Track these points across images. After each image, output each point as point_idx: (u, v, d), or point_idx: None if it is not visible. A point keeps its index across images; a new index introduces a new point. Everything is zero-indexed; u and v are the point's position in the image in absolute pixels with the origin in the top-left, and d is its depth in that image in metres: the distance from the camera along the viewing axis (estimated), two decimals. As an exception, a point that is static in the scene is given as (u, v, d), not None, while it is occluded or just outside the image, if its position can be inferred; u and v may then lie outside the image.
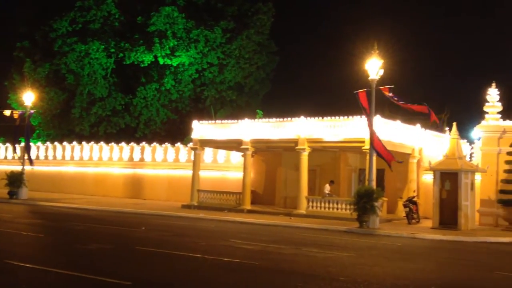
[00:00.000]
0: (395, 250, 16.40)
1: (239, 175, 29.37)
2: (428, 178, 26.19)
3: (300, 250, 15.20)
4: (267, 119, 28.55)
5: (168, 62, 42.15)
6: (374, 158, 22.33)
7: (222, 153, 33.58)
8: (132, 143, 38.01)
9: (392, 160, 22.09)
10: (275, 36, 45.26)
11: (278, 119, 27.49)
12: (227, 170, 33.00)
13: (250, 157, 28.84)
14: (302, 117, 26.31)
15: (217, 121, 30.92)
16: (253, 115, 39.12)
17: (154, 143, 37.16)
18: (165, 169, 35.60)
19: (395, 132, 25.65)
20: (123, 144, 38.05)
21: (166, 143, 36.75)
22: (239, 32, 42.07)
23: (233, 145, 29.14)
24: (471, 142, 27.91)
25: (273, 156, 31.15)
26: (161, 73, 43.05)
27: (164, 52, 41.57)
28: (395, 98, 22.35)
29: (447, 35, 59.04)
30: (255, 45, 42.87)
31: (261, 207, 28.79)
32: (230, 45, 42.09)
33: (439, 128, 31.87)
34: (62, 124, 45.14)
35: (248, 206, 27.83)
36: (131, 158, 37.19)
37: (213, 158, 33.84)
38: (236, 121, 29.23)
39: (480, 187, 24.44)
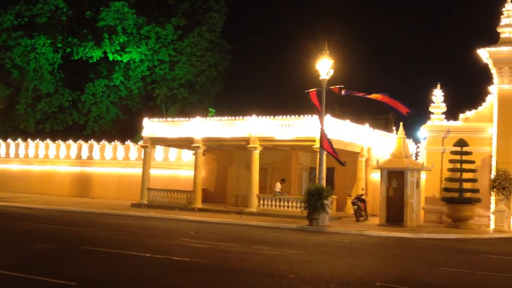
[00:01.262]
0: (344, 247, 16.70)
1: (191, 173, 29.18)
2: (376, 176, 26.81)
3: (251, 248, 15.24)
4: (219, 118, 28.50)
5: (118, 58, 41.37)
6: (324, 156, 22.66)
7: (173, 151, 33.26)
8: (80, 141, 37.11)
9: (337, 158, 22.38)
10: (228, 35, 45.25)
11: (230, 118, 27.48)
12: (179, 169, 32.73)
13: (202, 155, 28.70)
14: (254, 116, 26.40)
15: (168, 119, 30.61)
16: (205, 113, 38.92)
17: (103, 141, 36.41)
18: (114, 167, 34.94)
19: (345, 131, 26.13)
20: (70, 141, 37.11)
21: (116, 140, 36.08)
22: (191, 30, 41.77)
23: (185, 143, 28.94)
24: (417, 141, 28.78)
25: (224, 154, 31.12)
26: (111, 70, 42.23)
27: (113, 48, 40.78)
28: (354, 93, 22.61)
29: (396, 36, 60.59)
30: (207, 42, 42.67)
31: (212, 205, 28.72)
32: (181, 42, 41.73)
33: (388, 128, 32.68)
34: (6, 120, 43.55)
35: (199, 204, 27.70)
36: (79, 156, 36.32)
37: (164, 156, 33.48)
38: (187, 119, 29.03)
39: (425, 185, 25.20)
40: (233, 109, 33.45)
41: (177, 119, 30.16)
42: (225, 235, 18.36)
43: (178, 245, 15.47)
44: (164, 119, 30.66)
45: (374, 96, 22.49)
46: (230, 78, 47.31)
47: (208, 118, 29.42)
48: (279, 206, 25.62)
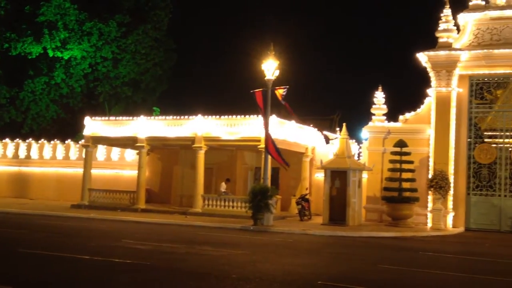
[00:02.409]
0: (287, 246, 16.84)
1: (134, 173, 28.70)
2: (320, 176, 27.22)
3: (194, 248, 15.12)
4: (163, 117, 28.14)
5: (59, 54, 40.07)
6: (269, 156, 22.79)
7: (116, 150, 32.60)
8: (17, 139, 35.74)
9: (280, 163, 22.60)
10: (173, 33, 44.74)
11: (175, 117, 27.20)
12: (121, 169, 32.11)
13: (146, 155, 28.27)
14: (199, 116, 26.24)
15: (111, 118, 29.95)
16: (149, 113, 38.36)
17: (42, 140, 35.21)
18: (54, 167, 33.88)
19: (290, 132, 26.39)
20: (7, 140, 35.68)
21: (56, 139, 34.96)
22: (136, 27, 40.99)
23: (128, 142, 28.41)
24: (359, 142, 29.39)
25: (169, 154, 30.77)
26: (51, 66, 40.84)
27: (54, 44, 39.47)
28: (284, 102, 22.76)
29: (339, 39, 61.74)
30: (152, 40, 42.02)
31: (156, 206, 28.33)
32: (125, 39, 40.89)
33: (332, 129, 33.23)
34: None
35: (142, 205, 27.26)
36: (16, 155, 35.01)
37: (106, 156, 32.76)
38: (131, 118, 28.52)
39: (367, 185, 25.80)
40: (179, 108, 33.11)
41: (120, 118, 29.55)
42: (168, 236, 18.13)
43: (119, 247, 15.13)
44: (106, 118, 29.98)
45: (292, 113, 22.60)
46: (176, 77, 46.85)
47: (152, 117, 29.03)
48: (224, 206, 25.60)
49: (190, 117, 26.57)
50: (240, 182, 29.39)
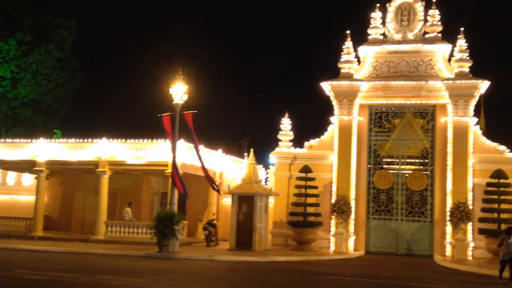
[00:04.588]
0: (193, 273, 16.56)
1: (32, 198, 27.12)
2: (227, 201, 27.22)
3: (94, 278, 14.44)
4: (65, 140, 26.92)
5: (-49, 72, 37.34)
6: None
7: (12, 174, 30.69)
8: None
9: (181, 192, 22.39)
10: (79, 53, 43.26)
11: (78, 140, 26.15)
12: (18, 194, 30.27)
13: (45, 179, 26.86)
14: (104, 139, 25.44)
15: (7, 140, 28.22)
16: (50, 135, 36.61)
17: None
18: None
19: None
20: None
21: None
22: (38, 46, 39.16)
23: (26, 166, 26.94)
24: (267, 167, 29.83)
25: (71, 178, 29.44)
26: None
27: None
28: (197, 147, 22.77)
29: (249, 67, 62.89)
30: (55, 60, 40.32)
31: (55, 233, 26.89)
32: (26, 58, 38.92)
33: (240, 154, 33.53)
34: None
35: (40, 232, 25.80)
36: None
37: (1, 180, 30.75)
38: (29, 140, 27.04)
39: (273, 210, 26.16)
40: (83, 131, 31.90)
41: (17, 140, 27.90)
42: (67, 265, 17.20)
43: (11, 278, 14.10)
44: (2, 140, 28.22)
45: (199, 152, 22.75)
46: (80, 98, 45.18)
47: (53, 140, 27.69)
48: (129, 232, 24.86)
49: (94, 140, 25.68)
50: (146, 208, 28.67)
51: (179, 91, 22.77)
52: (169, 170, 23.35)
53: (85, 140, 25.96)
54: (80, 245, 23.43)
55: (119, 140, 25.46)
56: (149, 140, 25.06)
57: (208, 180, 23.18)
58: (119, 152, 25.20)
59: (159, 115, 22.69)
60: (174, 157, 22.26)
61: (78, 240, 24.80)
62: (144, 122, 38.85)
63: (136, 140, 25.26)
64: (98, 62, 50.93)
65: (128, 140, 25.39)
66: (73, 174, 28.82)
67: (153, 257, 20.57)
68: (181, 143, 23.91)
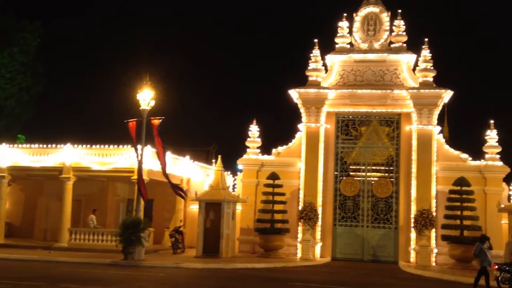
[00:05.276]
0: (158, 281, 16.37)
1: (-7, 205, 26.33)
2: (194, 208, 27.05)
3: (58, 286, 14.13)
4: (29, 145, 26.31)
5: None
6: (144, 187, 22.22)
7: (-28, 181, 29.74)
8: None
9: (145, 196, 22.20)
10: (44, 57, 42.38)
11: (41, 146, 25.61)
12: (-22, 201, 29.29)
13: (7, 186, 26.21)
14: (68, 145, 25.00)
15: (-33, 145, 27.38)
16: (13, 140, 35.70)
17: None
18: None
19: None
20: None
21: None
22: (1, 50, 38.28)
23: (-13, 172, 26.15)
24: (235, 174, 29.79)
25: (34, 185, 28.78)
26: None
27: None
28: (157, 136, 22.53)
29: (219, 74, 62.79)
30: (18, 64, 39.39)
31: (17, 240, 26.25)
32: (-12, 62, 37.98)
33: (208, 160, 33.40)
34: None
35: (1, 240, 25.27)
36: None
37: (-40, 187, 29.74)
38: (-10, 145, 26.34)
39: (241, 217, 26.10)
40: (47, 137, 31.18)
41: (-23, 145, 27.11)
42: (29, 273, 16.80)
43: (-30, 288, 13.69)
44: (-38, 145, 27.36)
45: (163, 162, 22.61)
46: (44, 103, 44.26)
47: (16, 145, 27.03)
48: (93, 240, 24.48)
49: (59, 146, 25.21)
50: (112, 215, 28.23)
51: (146, 97, 22.58)
52: (135, 176, 23.08)
53: (49, 145, 25.46)
54: (43, 252, 22.92)
55: (84, 146, 25.08)
56: (115, 146, 24.75)
57: (173, 188, 22.92)
58: (84, 158, 24.81)
59: (125, 121, 22.46)
60: (140, 163, 22.05)
61: (41, 248, 24.27)
62: (111, 127, 38.28)
63: (102, 146, 24.92)
64: (63, 66, 50.05)
65: (93, 146, 25.03)
66: (36, 180, 28.19)
67: (118, 265, 20.26)
68: (148, 150, 23.70)
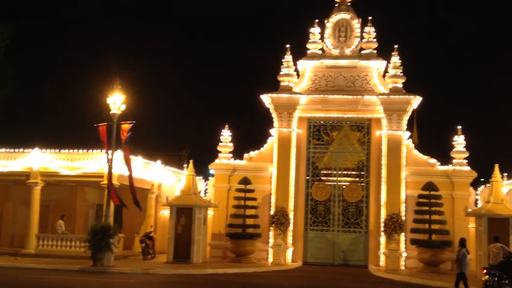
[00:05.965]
0: (128, 287, 16.16)
1: (-43, 211, 25.67)
2: (166, 213, 26.82)
3: (23, 294, 13.82)
4: (-5, 149, 25.74)
5: None
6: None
7: None
8: None
9: (116, 203, 21.97)
10: (13, 60, 41.55)
11: (8, 150, 25.06)
12: None
13: (-28, 191, 25.55)
14: (36, 149, 24.52)
15: None
16: (-22, 144, 34.85)
17: None
18: None
19: (136, 168, 25.65)
20: None
21: None
22: (-33, 52, 37.44)
23: (-49, 176, 25.45)
24: (207, 178, 29.67)
25: (0, 190, 28.10)
26: None
27: None
28: (125, 144, 22.28)
29: (190, 79, 62.66)
30: (-14, 67, 38.62)
31: (-18, 247, 25.56)
32: (-45, 65, 37.05)
33: (180, 165, 33.16)
34: None
35: (-35, 247, 24.46)
36: None
37: None
38: (-46, 150, 25.66)
39: (212, 222, 25.99)
40: (14, 141, 30.55)
41: None
42: (-6, 281, 16.38)
43: None
44: None
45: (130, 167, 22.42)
46: (12, 107, 43.37)
47: (-19, 149, 26.38)
48: (62, 246, 24.05)
49: (26, 150, 24.71)
50: (81, 220, 27.77)
51: (116, 101, 22.32)
52: (105, 181, 22.76)
53: (16, 150, 24.93)
54: (9, 259, 22.41)
55: (52, 150, 24.62)
56: (85, 150, 24.38)
57: (132, 196, 22.51)
58: (52, 162, 24.36)
59: (95, 125, 22.17)
60: (110, 168, 21.77)
61: (8, 254, 23.71)
62: (82, 131, 37.74)
63: (71, 151, 24.51)
64: (32, 69, 49.22)
65: (62, 150, 24.59)
66: (3, 185, 27.54)
67: (87, 271, 19.94)
68: (119, 154, 23.39)
